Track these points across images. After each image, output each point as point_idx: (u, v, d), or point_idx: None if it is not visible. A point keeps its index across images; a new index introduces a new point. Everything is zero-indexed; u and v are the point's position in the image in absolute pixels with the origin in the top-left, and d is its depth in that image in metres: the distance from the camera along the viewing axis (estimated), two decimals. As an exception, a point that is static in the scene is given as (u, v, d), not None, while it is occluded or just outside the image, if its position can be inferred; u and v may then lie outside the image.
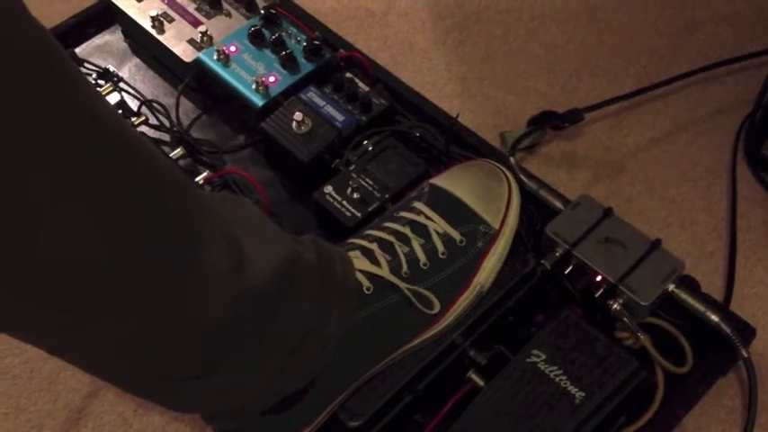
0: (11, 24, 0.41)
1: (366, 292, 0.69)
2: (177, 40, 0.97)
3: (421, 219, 0.75)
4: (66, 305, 0.49)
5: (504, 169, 0.80)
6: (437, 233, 0.74)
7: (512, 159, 0.88)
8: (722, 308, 0.79)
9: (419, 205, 0.76)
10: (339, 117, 0.90)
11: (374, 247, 0.72)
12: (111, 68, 0.99)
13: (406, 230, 0.74)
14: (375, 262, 0.71)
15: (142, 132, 0.90)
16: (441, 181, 0.79)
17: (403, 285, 0.70)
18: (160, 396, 0.63)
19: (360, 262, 0.70)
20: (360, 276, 0.69)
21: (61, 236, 0.46)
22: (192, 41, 0.97)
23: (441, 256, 0.73)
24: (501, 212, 0.77)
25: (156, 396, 0.64)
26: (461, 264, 0.74)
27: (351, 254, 0.71)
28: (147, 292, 0.51)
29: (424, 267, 0.72)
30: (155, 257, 0.51)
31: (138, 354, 0.56)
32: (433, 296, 0.71)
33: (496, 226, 0.76)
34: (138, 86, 0.99)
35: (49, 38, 0.44)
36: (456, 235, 0.74)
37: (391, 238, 0.73)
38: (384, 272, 0.70)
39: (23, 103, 0.42)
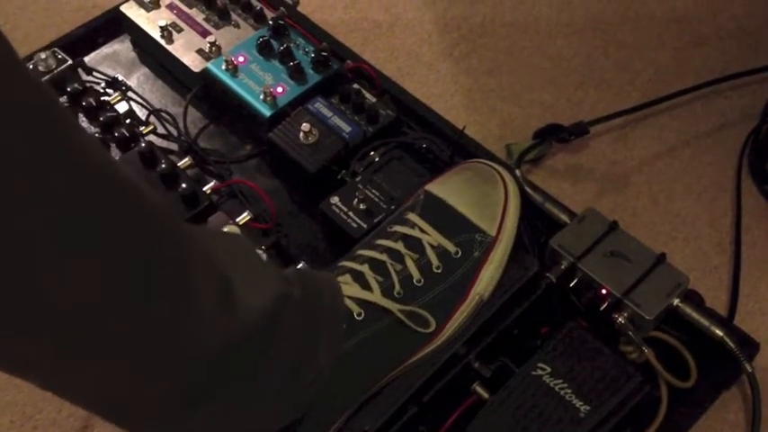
0: (5, 77, 0.42)
1: (357, 318, 0.69)
2: (186, 50, 0.98)
3: (415, 232, 0.74)
4: (56, 346, 0.49)
5: (500, 170, 0.79)
6: (431, 246, 0.73)
7: (517, 172, 0.88)
8: (726, 322, 0.79)
9: (413, 217, 0.75)
10: (346, 128, 0.90)
11: (365, 269, 0.71)
12: (120, 77, 1.00)
13: (399, 246, 0.73)
14: (366, 286, 0.70)
15: (150, 142, 0.91)
16: (435, 188, 0.79)
17: (395, 308, 0.69)
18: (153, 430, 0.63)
19: (349, 288, 0.69)
20: (350, 303, 0.69)
21: (56, 280, 0.46)
22: (200, 51, 0.98)
23: (435, 270, 0.72)
24: (497, 218, 0.76)
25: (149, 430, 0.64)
26: (457, 276, 0.73)
27: (341, 279, 0.70)
28: (137, 333, 0.51)
29: (419, 284, 0.72)
30: (146, 300, 0.51)
31: (129, 391, 0.56)
32: (427, 314, 0.71)
33: (493, 233, 0.75)
34: (146, 96, 1.00)
35: (43, 88, 0.45)
36: (451, 247, 0.74)
37: (383, 257, 0.72)
38: (375, 296, 0.69)
39: (14, 150, 0.42)
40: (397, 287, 0.71)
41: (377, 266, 0.72)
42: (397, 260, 0.72)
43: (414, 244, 0.74)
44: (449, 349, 0.73)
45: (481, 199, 0.77)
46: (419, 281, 0.72)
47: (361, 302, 0.69)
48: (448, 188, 0.78)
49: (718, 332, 0.75)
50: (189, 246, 0.56)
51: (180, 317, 0.54)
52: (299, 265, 0.82)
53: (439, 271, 0.73)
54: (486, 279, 0.74)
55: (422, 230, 0.74)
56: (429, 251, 0.73)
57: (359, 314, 0.69)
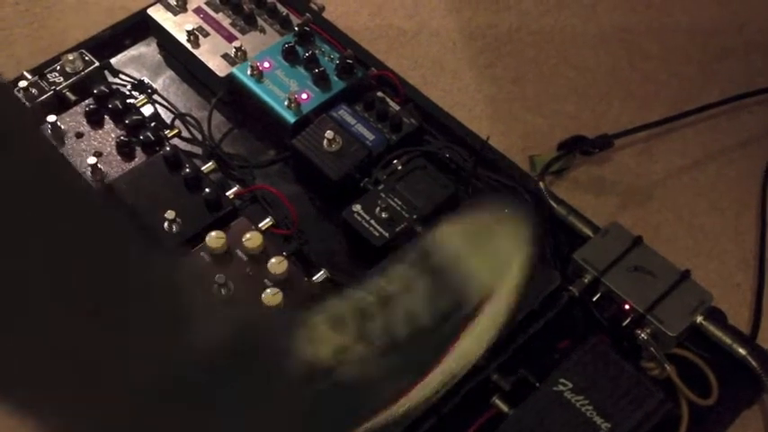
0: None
1: (331, 363, 0.63)
2: (212, 55, 0.98)
3: (400, 288, 0.67)
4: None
5: (518, 215, 0.68)
6: (415, 303, 0.66)
7: (541, 184, 0.88)
8: (749, 341, 0.79)
9: (403, 269, 0.67)
10: (369, 136, 0.90)
11: (346, 312, 0.65)
12: (146, 80, 1.00)
13: (383, 299, 0.66)
14: (343, 331, 0.64)
15: (174, 146, 0.91)
16: (442, 234, 0.69)
17: (373, 356, 0.64)
18: None
19: (326, 332, 0.64)
20: (324, 347, 0.64)
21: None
22: (226, 56, 0.98)
23: (415, 329, 0.65)
24: (493, 285, 0.66)
25: None
26: (437, 339, 0.66)
27: (319, 320, 0.65)
28: (84, 364, 0.51)
29: (398, 339, 0.65)
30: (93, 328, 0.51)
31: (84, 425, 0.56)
32: (405, 369, 0.65)
33: (481, 301, 0.66)
34: (171, 99, 1.00)
35: (27, 116, 0.46)
36: (434, 308, 0.66)
37: (366, 305, 0.66)
38: (351, 342, 0.64)
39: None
40: (377, 337, 0.64)
41: (357, 312, 0.65)
42: (380, 310, 0.65)
43: (397, 299, 0.66)
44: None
45: (483, 261, 0.67)
46: (399, 336, 0.65)
47: (337, 347, 0.64)
48: (453, 237, 0.69)
49: (741, 351, 0.75)
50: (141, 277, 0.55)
51: (128, 349, 0.53)
52: (320, 273, 0.82)
53: (420, 331, 0.65)
54: (463, 349, 0.66)
55: (408, 287, 0.66)
56: (412, 308, 0.66)
57: (334, 360, 0.63)
